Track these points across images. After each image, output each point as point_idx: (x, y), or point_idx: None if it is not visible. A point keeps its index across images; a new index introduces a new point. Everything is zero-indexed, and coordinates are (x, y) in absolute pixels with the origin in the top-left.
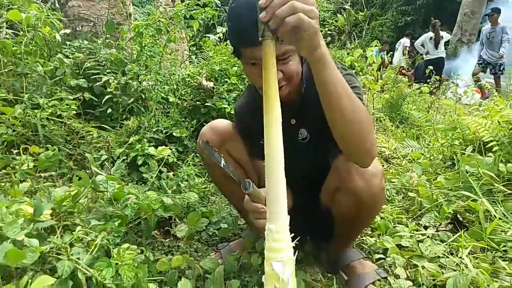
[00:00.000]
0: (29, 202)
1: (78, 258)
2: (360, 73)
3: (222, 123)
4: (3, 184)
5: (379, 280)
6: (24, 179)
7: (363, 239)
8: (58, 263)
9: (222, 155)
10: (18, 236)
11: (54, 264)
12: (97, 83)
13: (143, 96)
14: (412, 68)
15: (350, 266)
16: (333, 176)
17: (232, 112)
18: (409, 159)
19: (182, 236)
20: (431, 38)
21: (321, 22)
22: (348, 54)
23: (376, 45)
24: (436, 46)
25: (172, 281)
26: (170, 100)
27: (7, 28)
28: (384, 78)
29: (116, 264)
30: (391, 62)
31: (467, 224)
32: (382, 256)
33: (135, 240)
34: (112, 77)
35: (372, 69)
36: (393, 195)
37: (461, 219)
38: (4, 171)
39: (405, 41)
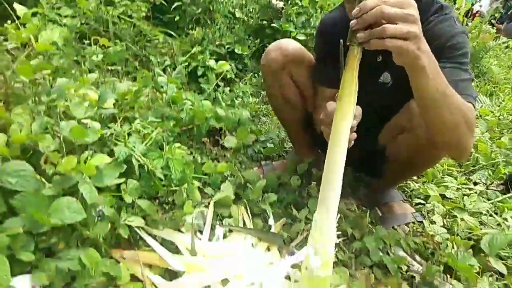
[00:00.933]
0: (95, 90)
1: (134, 147)
2: None
3: (291, 43)
4: (73, 71)
5: (413, 222)
6: (92, 71)
7: (407, 183)
8: (116, 147)
9: None
10: (82, 117)
11: (112, 148)
12: None
13: (211, 8)
14: (505, 20)
15: (388, 204)
16: (403, 115)
17: (298, 37)
18: (477, 115)
19: (229, 147)
20: None
21: None
22: None
23: None
24: None
25: (215, 183)
26: (237, 15)
27: None
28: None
29: (167, 157)
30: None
31: None
32: (422, 202)
33: (186, 142)
34: None
35: (459, 13)
36: None
37: None
38: (75, 58)
39: None
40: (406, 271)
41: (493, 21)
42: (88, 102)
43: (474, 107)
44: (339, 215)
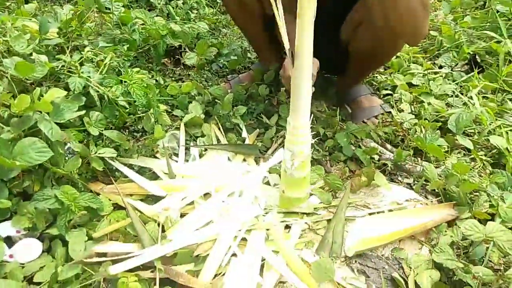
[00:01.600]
0: (35, 20)
1: (89, 76)
2: None
3: None
4: (8, 3)
5: (382, 114)
6: (30, 1)
7: (374, 76)
8: (70, 79)
9: None
10: (26, 51)
11: (66, 82)
12: None
13: None
14: None
15: (356, 100)
16: (359, 8)
17: None
18: None
19: (191, 64)
20: None
21: None
22: None
23: None
24: None
25: (182, 104)
26: None
27: None
28: None
29: (126, 82)
30: None
31: (484, 66)
32: (390, 92)
33: (145, 66)
34: None
35: None
36: None
37: (479, 60)
38: None
39: None
40: (378, 160)
41: None
42: (29, 35)
43: None
44: (311, 117)
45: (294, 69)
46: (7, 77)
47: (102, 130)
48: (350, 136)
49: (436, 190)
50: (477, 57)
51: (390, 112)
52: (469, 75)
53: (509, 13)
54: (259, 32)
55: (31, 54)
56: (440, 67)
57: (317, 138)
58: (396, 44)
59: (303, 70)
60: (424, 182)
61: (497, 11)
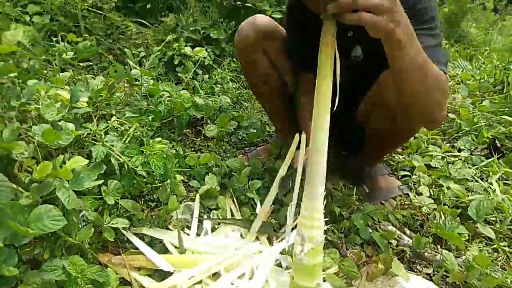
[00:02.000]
0: (68, 89)
1: (112, 145)
2: None
3: (264, 19)
4: (45, 71)
5: (400, 195)
6: (66, 69)
7: (392, 156)
8: (93, 147)
9: None
10: (55, 118)
11: (90, 149)
12: None
13: None
14: None
15: (373, 180)
16: (376, 90)
17: (274, 15)
18: (458, 81)
19: (211, 136)
20: None
21: None
22: None
23: None
24: None
25: (199, 175)
26: None
27: None
28: None
29: (146, 153)
30: None
31: (504, 151)
32: (408, 173)
33: (168, 136)
34: None
35: None
36: None
37: (499, 145)
38: (43, 57)
39: None
40: (397, 245)
41: None
42: (60, 103)
43: (445, 73)
44: (325, 197)
45: (309, 153)
46: (34, 143)
47: (118, 199)
48: (367, 217)
49: (457, 283)
50: (496, 141)
51: (408, 195)
52: (489, 160)
53: None
54: (279, 107)
55: (60, 121)
56: (459, 150)
57: (332, 217)
58: (412, 127)
59: (318, 155)
60: (444, 273)
61: None
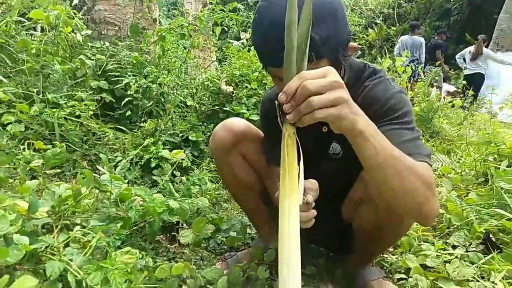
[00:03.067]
0: (27, 199)
1: (71, 260)
2: None
3: (238, 122)
4: (11, 181)
5: None
6: (37, 177)
7: (384, 257)
8: (48, 263)
9: None
10: (8, 231)
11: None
12: (118, 85)
13: (162, 100)
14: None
15: (367, 285)
16: (358, 186)
17: (252, 118)
18: (439, 174)
19: (186, 242)
20: (470, 52)
21: (351, 36)
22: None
23: (406, 56)
24: (473, 59)
25: None
26: (188, 103)
27: (33, 29)
28: (415, 90)
29: (106, 269)
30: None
31: (500, 246)
32: (403, 276)
33: (139, 244)
34: (133, 80)
35: (402, 80)
36: None
37: (494, 239)
38: (7, 166)
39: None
40: None
41: (434, 84)
42: (15, 214)
43: (430, 165)
44: None
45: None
46: None
47: None
48: None
49: None
50: (491, 236)
51: None
52: (487, 257)
53: None
54: (258, 209)
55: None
56: (454, 246)
57: None
58: (402, 224)
59: (286, 252)
60: None
61: (501, 188)
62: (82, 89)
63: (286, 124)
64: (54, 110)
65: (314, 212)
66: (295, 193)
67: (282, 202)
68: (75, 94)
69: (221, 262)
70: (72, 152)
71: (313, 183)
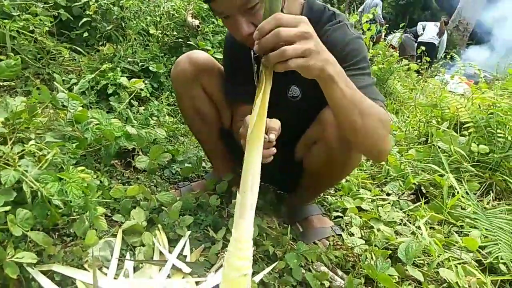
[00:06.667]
0: None
1: (26, 170)
2: None
3: (202, 54)
4: None
5: (333, 236)
6: None
7: (325, 197)
8: (3, 171)
9: None
10: None
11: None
12: (76, 3)
13: (123, 25)
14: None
15: (307, 219)
16: (315, 127)
17: (216, 55)
18: None
19: (142, 168)
20: (436, 25)
21: None
22: None
23: (373, 12)
24: (440, 35)
25: (125, 209)
26: (151, 32)
27: None
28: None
29: (64, 180)
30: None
31: (429, 197)
32: (340, 214)
33: (93, 166)
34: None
35: (365, 37)
36: (362, 161)
37: (424, 191)
38: None
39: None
40: (329, 287)
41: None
42: None
43: (384, 109)
44: (260, 235)
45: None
46: None
47: (27, 231)
48: (301, 257)
49: None
50: (422, 188)
51: (340, 235)
52: (415, 204)
53: (449, 149)
54: (215, 142)
55: None
56: (388, 194)
57: (266, 257)
58: (348, 164)
59: (248, 183)
60: None
61: (439, 147)
62: (38, 2)
63: (265, 69)
64: (6, 21)
65: (274, 150)
66: (262, 130)
67: (252, 138)
68: (30, 7)
69: (174, 189)
70: (25, 69)
71: (276, 122)
